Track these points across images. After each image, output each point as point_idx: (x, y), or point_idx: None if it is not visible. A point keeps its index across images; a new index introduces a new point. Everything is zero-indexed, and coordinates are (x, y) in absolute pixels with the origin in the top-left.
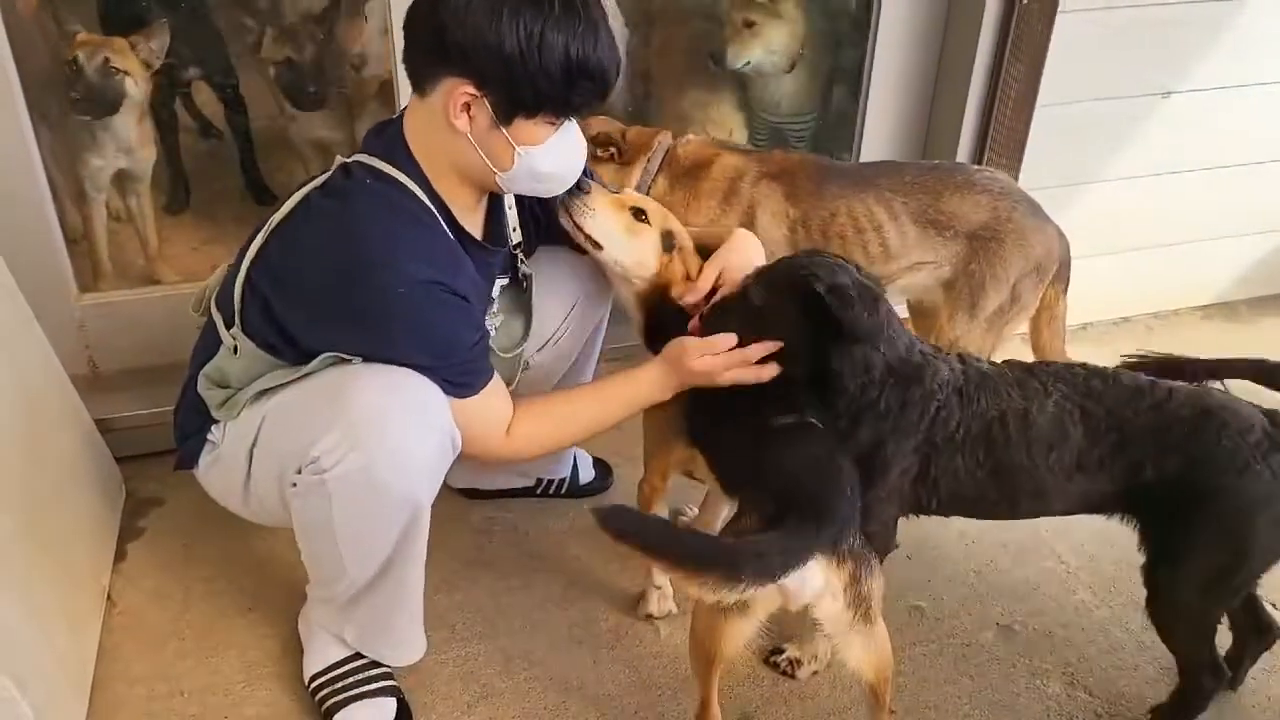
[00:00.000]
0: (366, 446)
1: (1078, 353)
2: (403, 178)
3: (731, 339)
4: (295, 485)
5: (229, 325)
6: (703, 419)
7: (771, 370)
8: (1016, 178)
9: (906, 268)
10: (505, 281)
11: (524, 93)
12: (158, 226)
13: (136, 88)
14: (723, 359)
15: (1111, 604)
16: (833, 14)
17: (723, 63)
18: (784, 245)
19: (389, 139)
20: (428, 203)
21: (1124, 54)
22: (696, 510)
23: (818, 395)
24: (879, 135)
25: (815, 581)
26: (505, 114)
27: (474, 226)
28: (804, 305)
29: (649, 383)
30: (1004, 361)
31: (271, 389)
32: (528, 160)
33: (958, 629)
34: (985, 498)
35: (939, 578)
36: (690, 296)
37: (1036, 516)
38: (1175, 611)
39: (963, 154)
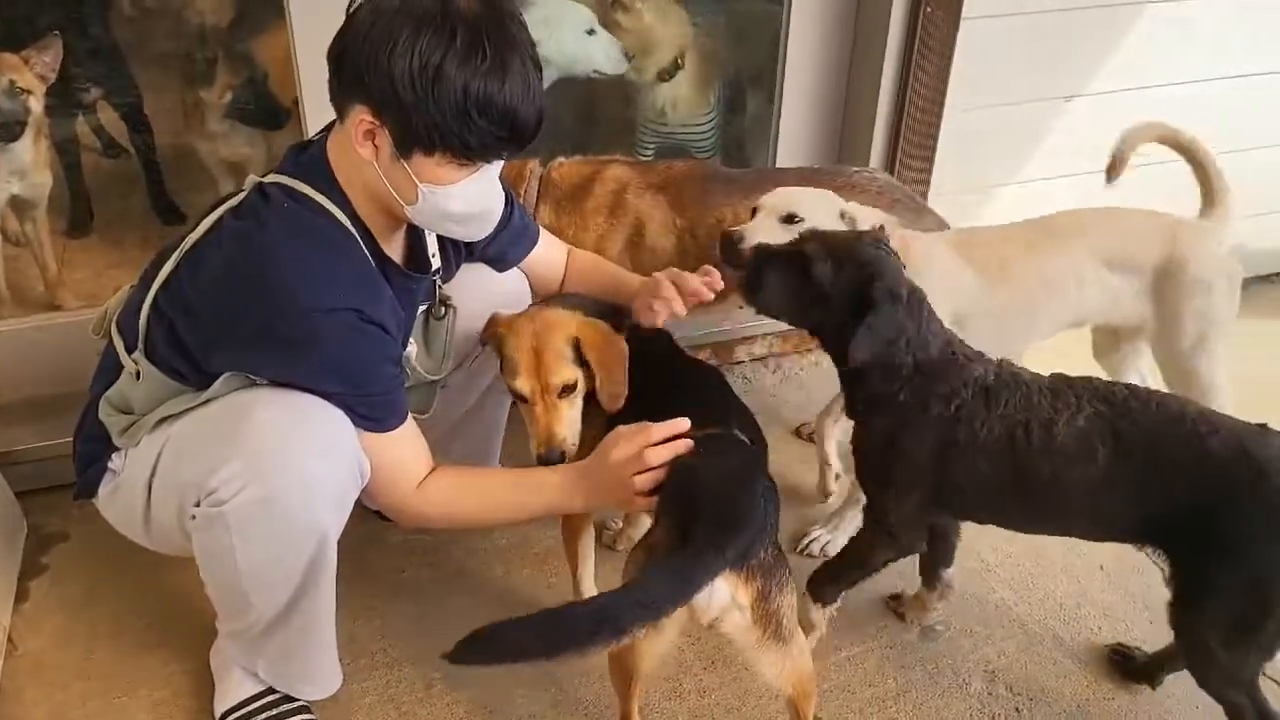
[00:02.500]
0: (266, 477)
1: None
2: (324, 200)
3: (664, 430)
4: (194, 518)
5: (130, 350)
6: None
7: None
8: (928, 181)
9: None
10: (424, 307)
11: (416, 126)
12: (59, 251)
13: (37, 105)
14: (639, 439)
15: (1029, 600)
16: (740, 30)
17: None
18: (673, 254)
19: (310, 160)
20: (350, 226)
21: (1027, 60)
22: (620, 523)
23: (845, 375)
24: (794, 143)
25: (720, 597)
26: (403, 147)
27: (395, 252)
28: (857, 293)
29: (560, 481)
30: (1052, 374)
31: (172, 415)
32: (434, 199)
33: (882, 631)
34: (1007, 505)
35: None
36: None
37: (1064, 534)
38: (1200, 659)
39: (875, 159)
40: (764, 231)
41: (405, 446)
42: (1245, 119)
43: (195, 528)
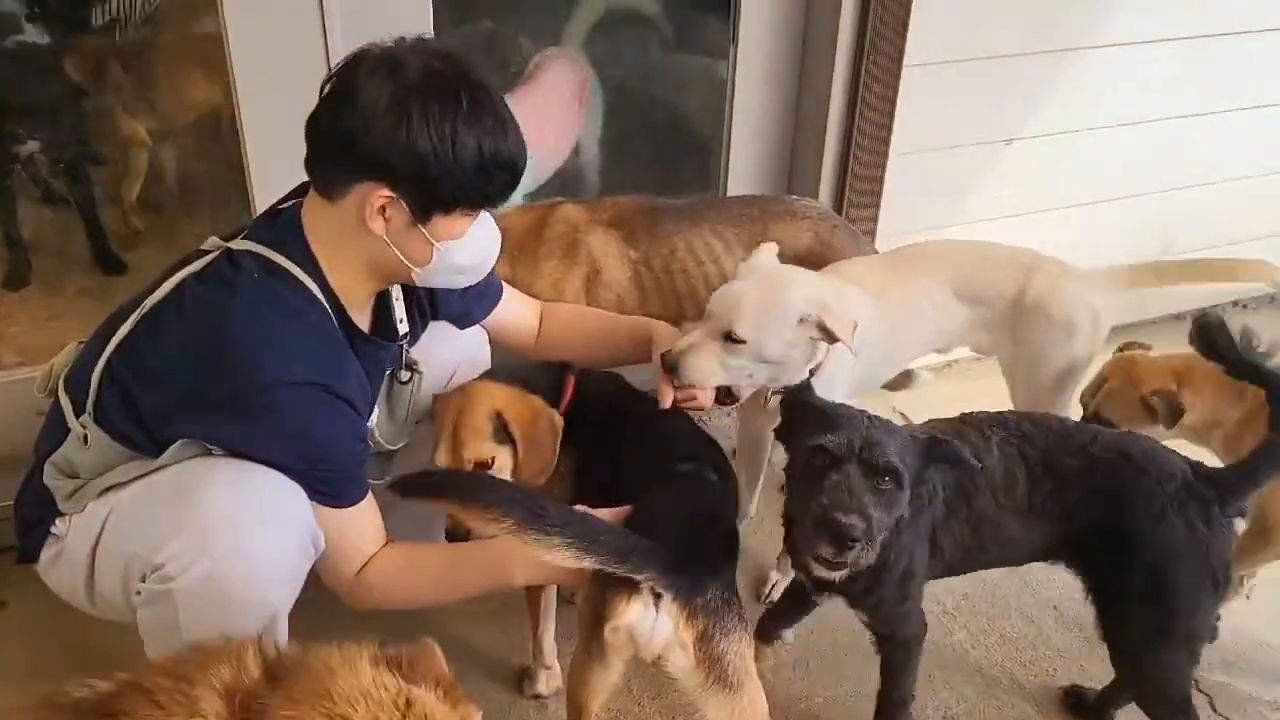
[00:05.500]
0: (215, 554)
1: (947, 388)
2: (296, 271)
3: None
4: (140, 593)
5: (79, 413)
6: (599, 468)
7: None
8: (875, 224)
9: None
10: (389, 372)
11: (441, 191)
12: None
13: None
14: None
15: (986, 644)
16: (687, 77)
17: None
18: (630, 287)
19: (282, 229)
20: (320, 298)
21: (968, 104)
22: None
23: None
24: (743, 191)
25: (663, 631)
26: (423, 213)
27: (363, 321)
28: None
29: (499, 556)
30: (927, 421)
31: (120, 483)
32: (446, 255)
33: (842, 679)
34: (971, 550)
35: (823, 627)
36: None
37: (1003, 565)
38: (1130, 670)
39: (823, 202)
40: (704, 355)
41: (359, 521)
42: (1180, 159)
43: (141, 602)
